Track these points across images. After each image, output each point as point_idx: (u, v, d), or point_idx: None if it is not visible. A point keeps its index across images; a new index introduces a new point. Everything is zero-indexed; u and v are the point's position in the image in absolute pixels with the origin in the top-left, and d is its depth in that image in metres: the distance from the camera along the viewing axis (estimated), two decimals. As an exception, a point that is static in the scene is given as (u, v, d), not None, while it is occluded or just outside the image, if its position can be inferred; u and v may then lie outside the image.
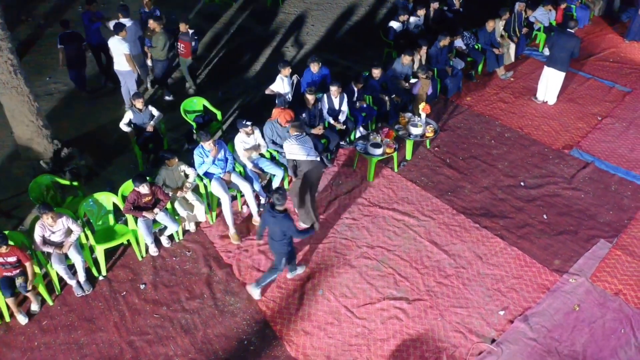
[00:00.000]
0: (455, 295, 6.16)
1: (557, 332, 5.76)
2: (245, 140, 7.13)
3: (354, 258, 6.62)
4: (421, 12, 10.46)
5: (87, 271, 6.21)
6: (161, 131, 8.02)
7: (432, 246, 6.76)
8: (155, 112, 7.78)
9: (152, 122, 7.73)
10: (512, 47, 10.51)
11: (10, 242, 5.55)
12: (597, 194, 7.59)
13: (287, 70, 8.00)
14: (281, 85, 8.03)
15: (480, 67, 10.34)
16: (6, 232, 5.67)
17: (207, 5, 12.82)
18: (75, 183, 6.88)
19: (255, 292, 6.11)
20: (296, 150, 6.66)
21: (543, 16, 10.93)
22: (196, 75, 9.84)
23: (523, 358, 5.50)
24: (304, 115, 7.69)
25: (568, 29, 9.02)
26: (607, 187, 7.72)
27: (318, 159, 6.79)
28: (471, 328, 5.81)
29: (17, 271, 5.70)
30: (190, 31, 9.06)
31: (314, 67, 8.18)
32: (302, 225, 6.87)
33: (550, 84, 9.32)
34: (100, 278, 6.33)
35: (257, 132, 7.21)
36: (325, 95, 7.95)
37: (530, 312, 5.96)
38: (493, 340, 5.68)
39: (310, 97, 7.69)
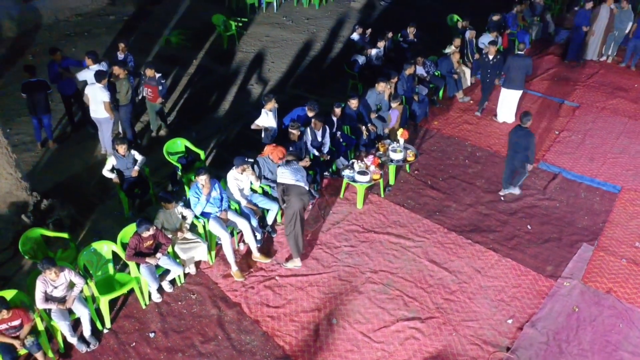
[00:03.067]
0: (464, 309, 6.38)
1: (564, 334, 6.07)
2: (238, 177, 7.14)
3: (360, 284, 6.71)
4: (381, 44, 10.96)
5: (91, 324, 5.92)
6: (145, 175, 7.86)
7: (432, 265, 6.98)
8: (138, 156, 7.65)
9: (136, 167, 7.59)
10: (467, 72, 11.18)
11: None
12: (569, 201, 8.14)
13: (271, 104, 8.12)
14: (266, 119, 8.13)
15: (441, 93, 10.91)
16: (2, 293, 5.39)
17: (164, 49, 12.81)
18: (66, 235, 6.60)
19: (516, 191, 8.18)
20: (287, 174, 6.82)
21: (491, 42, 11.71)
22: (166, 118, 9.76)
23: (539, 362, 5.76)
24: (290, 148, 7.81)
25: (518, 52, 9.77)
26: (577, 194, 8.29)
27: (307, 187, 6.92)
28: (485, 339, 6.02)
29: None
30: (157, 75, 9.03)
31: (311, 113, 8.31)
32: (289, 266, 6.98)
33: (508, 104, 9.98)
34: (105, 331, 6.05)
35: (249, 169, 7.23)
36: (308, 129, 8.12)
37: (536, 318, 6.26)
38: (508, 349, 5.91)
39: (295, 132, 7.83)
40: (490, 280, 6.77)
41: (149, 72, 8.93)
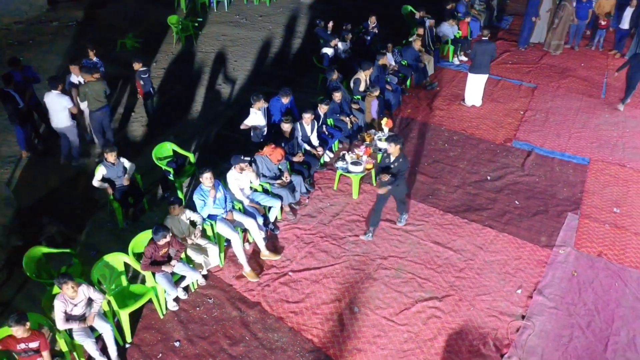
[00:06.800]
0: (475, 284, 6.67)
1: (569, 297, 6.50)
2: (238, 177, 7.07)
3: (373, 271, 6.85)
4: (348, 37, 11.12)
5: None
6: (138, 182, 7.60)
7: (436, 246, 7.23)
8: (127, 163, 7.40)
9: (127, 175, 7.34)
10: (431, 59, 11.57)
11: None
12: (547, 176, 8.65)
13: (260, 103, 8.06)
14: (255, 118, 8.07)
15: (408, 82, 11.23)
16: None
17: (120, 53, 12.34)
18: (70, 250, 6.29)
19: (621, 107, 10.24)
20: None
21: (448, 30, 12.19)
22: (150, 113, 9.53)
23: (552, 325, 6.13)
24: (283, 144, 7.82)
25: (483, 37, 10.24)
26: (552, 169, 8.83)
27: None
28: (500, 310, 6.33)
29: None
30: (141, 68, 8.85)
31: (285, 100, 8.36)
32: None
33: (475, 88, 10.44)
34: (127, 346, 5.84)
35: (248, 168, 7.17)
36: (298, 124, 8.14)
37: (541, 286, 6.65)
38: (523, 317, 6.25)
39: (287, 126, 7.84)
40: (493, 255, 7.11)
41: (135, 65, 8.76)
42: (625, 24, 12.41)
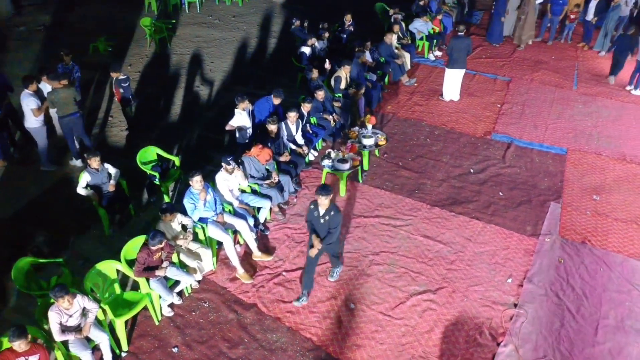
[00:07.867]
0: (467, 276, 6.78)
1: (558, 284, 6.67)
2: (227, 178, 7.02)
3: (366, 267, 6.90)
4: (325, 36, 11.14)
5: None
6: (123, 188, 7.46)
7: (426, 240, 7.32)
8: (111, 169, 7.28)
9: (112, 181, 7.21)
10: (408, 56, 11.69)
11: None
12: (527, 167, 8.86)
13: (244, 104, 8.01)
14: (240, 118, 8.01)
15: (387, 78, 11.32)
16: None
17: (92, 56, 12.08)
18: (60, 260, 6.13)
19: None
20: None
21: (422, 26, 12.34)
22: (129, 119, 9.36)
23: (544, 312, 6.29)
24: (269, 144, 7.79)
25: (459, 33, 10.39)
26: (532, 160, 9.04)
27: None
28: (493, 300, 6.45)
29: None
30: (120, 77, 8.71)
31: (277, 100, 8.35)
32: None
33: (453, 83, 10.60)
34: (124, 355, 5.74)
35: (238, 169, 7.12)
36: (283, 123, 8.13)
37: (530, 274, 6.80)
38: (515, 305, 6.39)
39: (273, 127, 7.81)
40: (482, 246, 7.24)
41: (114, 74, 8.77)
42: (590, 16, 12.83)
